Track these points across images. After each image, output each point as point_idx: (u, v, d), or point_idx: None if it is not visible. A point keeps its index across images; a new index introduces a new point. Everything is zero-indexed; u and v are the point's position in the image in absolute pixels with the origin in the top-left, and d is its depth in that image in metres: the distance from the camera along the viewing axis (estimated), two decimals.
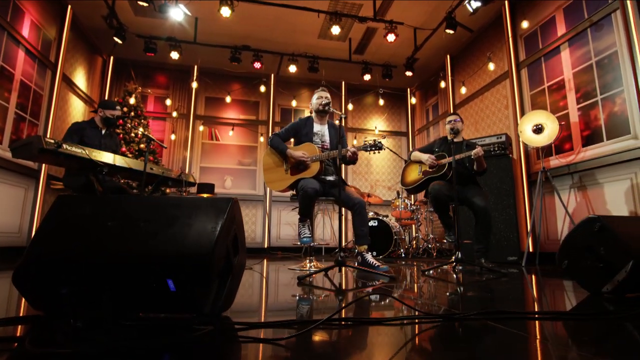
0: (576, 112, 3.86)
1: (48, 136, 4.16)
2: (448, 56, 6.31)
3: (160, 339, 0.86)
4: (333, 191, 2.98)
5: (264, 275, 2.62)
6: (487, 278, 2.44)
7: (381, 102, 6.96)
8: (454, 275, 2.64)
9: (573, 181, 3.82)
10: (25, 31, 4.26)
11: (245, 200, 6.54)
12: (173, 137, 6.59)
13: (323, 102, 3.08)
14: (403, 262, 4.12)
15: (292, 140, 3.22)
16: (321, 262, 3.36)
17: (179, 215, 1.02)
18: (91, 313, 0.97)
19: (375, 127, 7.45)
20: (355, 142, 7.14)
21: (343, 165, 3.60)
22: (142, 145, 5.32)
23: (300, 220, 2.93)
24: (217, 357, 0.81)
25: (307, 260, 3.12)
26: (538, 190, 3.87)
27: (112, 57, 6.48)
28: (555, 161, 4.05)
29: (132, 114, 5.53)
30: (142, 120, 5.63)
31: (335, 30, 4.97)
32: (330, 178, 3.05)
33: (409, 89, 7.72)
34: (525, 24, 4.47)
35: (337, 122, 3.06)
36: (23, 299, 1.43)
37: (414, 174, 3.45)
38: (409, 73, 6.06)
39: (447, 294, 1.80)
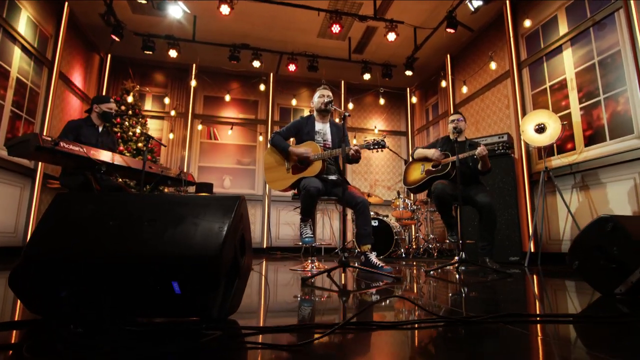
0: (578, 111, 3.84)
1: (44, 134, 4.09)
2: (448, 56, 6.28)
3: (166, 347, 0.81)
4: (335, 190, 2.94)
5: (264, 275, 2.57)
6: (492, 279, 2.41)
7: (381, 101, 6.93)
8: (457, 276, 2.60)
9: (575, 181, 3.79)
10: (22, 28, 4.19)
11: None
12: (171, 136, 6.52)
13: (325, 101, 3.04)
14: (404, 263, 4.08)
15: (292, 139, 3.17)
16: (322, 263, 3.32)
17: (186, 214, 0.97)
18: (92, 317, 0.92)
19: (375, 127, 7.42)
20: (355, 141, 7.10)
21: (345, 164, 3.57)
22: (140, 144, 5.25)
23: (302, 220, 2.89)
24: None
25: (309, 261, 3.08)
26: (540, 190, 3.85)
27: (109, 55, 6.40)
28: (557, 161, 4.03)
29: (130, 112, 5.46)
30: (140, 119, 5.56)
31: (335, 29, 4.93)
32: (332, 177, 3.01)
33: (408, 89, 7.69)
34: (527, 23, 4.45)
35: (337, 120, 3.02)
36: (18, 302, 1.37)
37: (416, 173, 3.42)
38: (408, 72, 6.03)
39: (455, 295, 1.76)
